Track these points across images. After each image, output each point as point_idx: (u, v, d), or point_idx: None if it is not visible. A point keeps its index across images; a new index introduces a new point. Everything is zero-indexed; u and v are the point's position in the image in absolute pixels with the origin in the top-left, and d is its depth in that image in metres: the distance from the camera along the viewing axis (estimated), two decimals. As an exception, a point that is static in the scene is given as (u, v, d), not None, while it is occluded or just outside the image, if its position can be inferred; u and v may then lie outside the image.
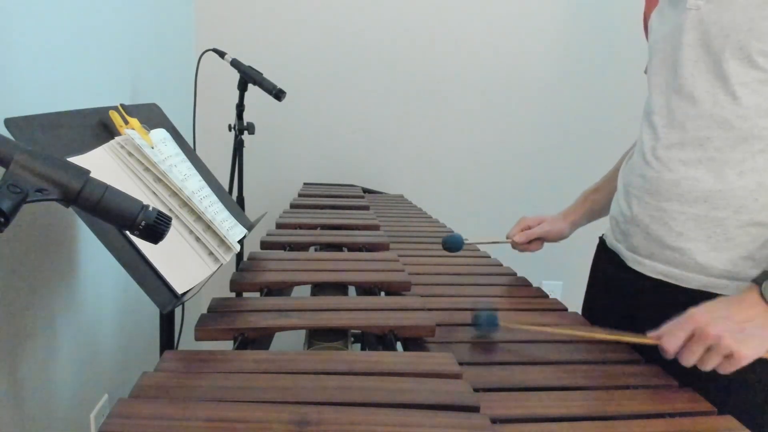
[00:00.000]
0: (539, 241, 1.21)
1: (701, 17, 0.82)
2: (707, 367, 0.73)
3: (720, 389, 0.80)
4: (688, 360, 0.73)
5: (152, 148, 0.97)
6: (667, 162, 0.87)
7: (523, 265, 1.29)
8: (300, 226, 1.45)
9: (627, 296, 0.96)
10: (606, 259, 1.04)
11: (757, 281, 0.74)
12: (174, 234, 0.90)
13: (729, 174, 0.81)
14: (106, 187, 0.57)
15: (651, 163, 0.89)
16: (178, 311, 1.22)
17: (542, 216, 1.22)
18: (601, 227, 1.11)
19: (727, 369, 0.72)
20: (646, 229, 0.90)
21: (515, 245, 1.22)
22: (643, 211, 0.90)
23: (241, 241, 1.08)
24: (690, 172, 0.84)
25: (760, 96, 0.78)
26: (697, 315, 0.73)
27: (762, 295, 0.72)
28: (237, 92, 1.79)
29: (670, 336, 0.74)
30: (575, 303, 1.13)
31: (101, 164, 0.87)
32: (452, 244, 1.20)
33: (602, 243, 1.08)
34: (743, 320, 0.72)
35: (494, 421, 0.63)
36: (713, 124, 0.81)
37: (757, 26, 0.75)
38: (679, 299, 0.82)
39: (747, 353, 0.70)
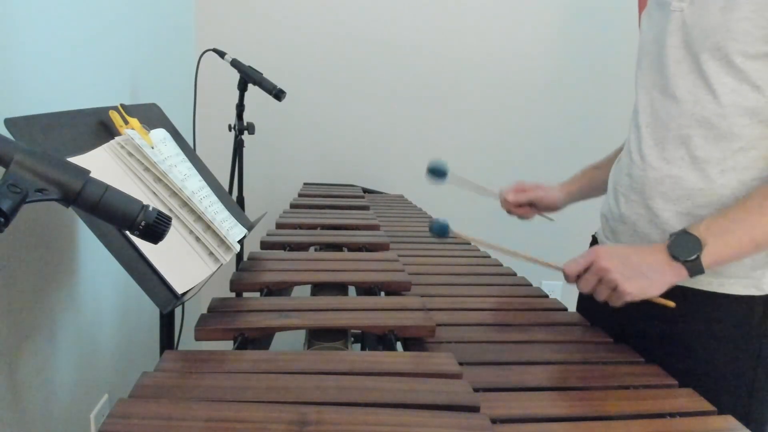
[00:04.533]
0: (530, 208, 1.22)
1: (684, 19, 0.84)
2: (600, 297, 0.81)
3: (715, 385, 0.82)
4: (584, 288, 0.83)
5: (152, 148, 0.97)
6: (651, 160, 0.89)
7: (523, 265, 1.29)
8: (300, 226, 1.45)
9: None
10: None
11: (671, 235, 0.80)
12: (174, 234, 0.90)
13: (711, 172, 0.83)
14: (106, 187, 0.57)
15: (636, 162, 0.91)
16: (178, 311, 1.22)
17: (538, 183, 1.23)
18: (595, 226, 1.11)
19: (616, 302, 0.80)
20: (633, 226, 0.92)
21: (506, 204, 1.23)
22: (630, 209, 0.92)
23: (241, 241, 1.08)
24: (673, 171, 0.86)
25: (738, 95, 0.79)
26: (598, 249, 0.82)
27: (667, 246, 0.78)
28: (237, 92, 1.79)
29: (572, 262, 0.83)
30: (575, 303, 1.13)
31: (101, 164, 0.87)
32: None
33: (594, 241, 1.10)
34: (640, 262, 0.79)
35: (494, 421, 0.63)
36: (694, 123, 0.83)
37: (735, 27, 0.77)
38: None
39: (629, 290, 0.78)
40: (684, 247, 0.77)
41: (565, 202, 1.22)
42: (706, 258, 0.76)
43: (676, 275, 0.78)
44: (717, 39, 0.79)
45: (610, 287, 0.79)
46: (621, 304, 0.80)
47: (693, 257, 0.76)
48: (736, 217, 0.78)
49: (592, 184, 1.19)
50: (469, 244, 1.19)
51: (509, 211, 1.23)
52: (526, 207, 1.22)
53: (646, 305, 0.81)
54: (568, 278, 0.84)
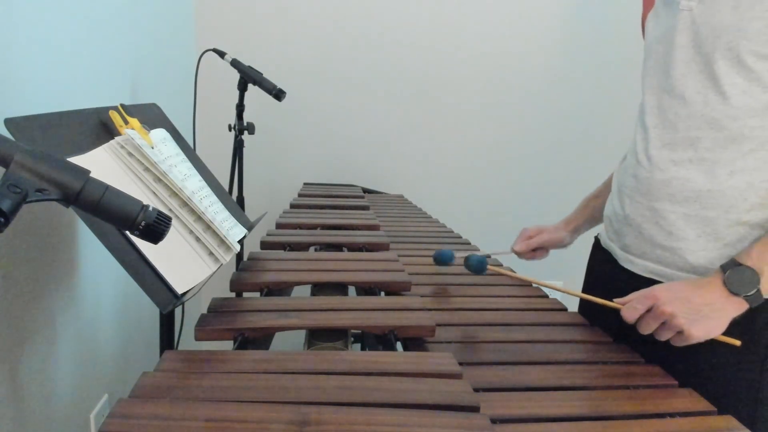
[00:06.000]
0: (543, 249, 1.24)
1: (693, 18, 0.83)
2: (661, 338, 0.79)
3: (719, 388, 0.81)
4: (644, 330, 0.80)
5: (152, 148, 0.97)
6: (658, 162, 0.88)
7: (523, 265, 1.29)
8: (300, 226, 1.45)
9: (621, 295, 0.97)
10: (600, 259, 1.05)
11: (723, 268, 0.78)
12: (174, 234, 0.90)
13: (720, 174, 0.82)
14: (106, 187, 0.57)
15: (643, 163, 0.91)
16: (178, 311, 1.22)
17: (542, 226, 1.24)
18: (598, 228, 1.11)
19: (679, 343, 0.78)
20: (639, 228, 0.92)
21: (520, 256, 1.25)
22: (636, 210, 0.92)
23: (241, 241, 1.08)
24: (681, 172, 0.85)
25: (749, 96, 0.79)
26: (657, 292, 0.80)
27: (724, 282, 0.76)
28: (237, 92, 1.79)
29: (630, 308, 0.81)
30: (575, 303, 1.13)
31: (101, 164, 0.87)
32: (442, 259, 1.22)
33: (597, 242, 1.09)
34: (701, 303, 0.77)
35: (494, 421, 0.63)
36: (704, 125, 0.82)
37: (747, 27, 0.76)
38: None
39: (696, 334, 0.76)
40: (742, 282, 0.76)
41: (572, 239, 1.23)
42: (765, 287, 0.75)
43: (737, 309, 0.77)
44: (728, 38, 0.78)
45: (674, 331, 0.77)
46: (684, 345, 0.78)
47: (753, 291, 0.75)
48: None
49: (595, 214, 1.19)
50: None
51: (528, 259, 1.26)
52: (540, 250, 1.25)
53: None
54: (627, 321, 0.82)
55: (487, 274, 1.19)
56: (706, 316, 0.76)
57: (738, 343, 0.78)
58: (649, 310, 0.79)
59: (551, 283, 0.99)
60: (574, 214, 1.23)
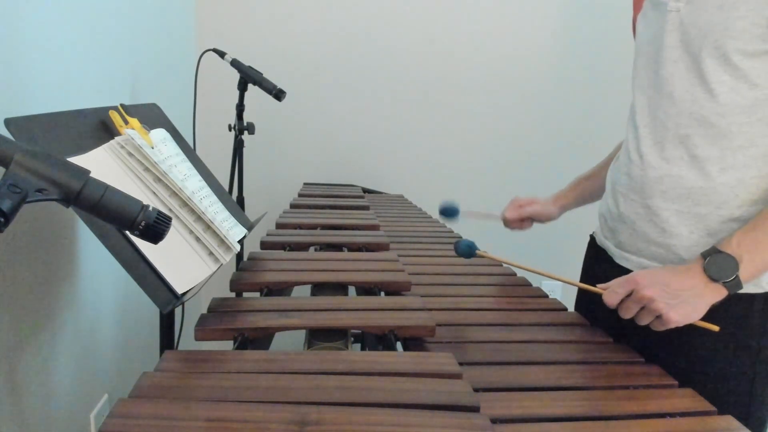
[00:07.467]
0: (529, 220, 1.28)
1: (681, 19, 0.84)
2: (642, 323, 0.81)
3: (715, 383, 0.83)
4: (625, 314, 0.82)
5: (152, 148, 0.97)
6: (650, 160, 0.89)
7: (520, 261, 1.30)
8: (300, 226, 1.45)
9: None
10: (596, 257, 1.06)
11: (704, 255, 0.79)
12: (174, 234, 0.90)
13: (710, 171, 0.83)
14: (106, 187, 0.57)
15: (635, 162, 0.92)
16: (178, 311, 1.22)
17: (534, 197, 1.28)
18: (593, 226, 1.11)
19: (659, 328, 0.80)
20: (632, 225, 0.93)
21: (507, 222, 1.28)
22: (629, 208, 0.93)
23: (241, 241, 1.08)
24: (673, 170, 0.86)
25: (736, 94, 0.80)
26: (638, 277, 0.81)
27: (704, 268, 0.77)
28: (237, 92, 1.79)
29: (611, 292, 0.82)
30: (574, 303, 1.13)
31: (101, 164, 0.87)
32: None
33: (592, 240, 1.10)
34: (680, 288, 0.78)
35: (494, 421, 0.63)
36: (693, 122, 0.83)
37: (733, 25, 0.77)
38: None
39: (675, 318, 0.78)
40: (721, 268, 0.77)
41: (560, 215, 1.27)
42: (743, 274, 0.76)
43: (716, 296, 0.78)
44: (715, 38, 0.79)
45: (653, 315, 0.79)
46: (663, 329, 0.79)
47: (732, 277, 0.76)
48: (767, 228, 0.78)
49: (584, 194, 1.24)
50: (501, 265, 1.25)
51: (513, 229, 1.30)
52: (526, 221, 1.28)
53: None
54: (608, 306, 0.83)
55: (477, 257, 1.19)
56: (685, 301, 0.77)
57: (716, 328, 0.79)
58: (629, 295, 0.80)
59: (537, 269, 1.00)
60: (564, 191, 1.27)
